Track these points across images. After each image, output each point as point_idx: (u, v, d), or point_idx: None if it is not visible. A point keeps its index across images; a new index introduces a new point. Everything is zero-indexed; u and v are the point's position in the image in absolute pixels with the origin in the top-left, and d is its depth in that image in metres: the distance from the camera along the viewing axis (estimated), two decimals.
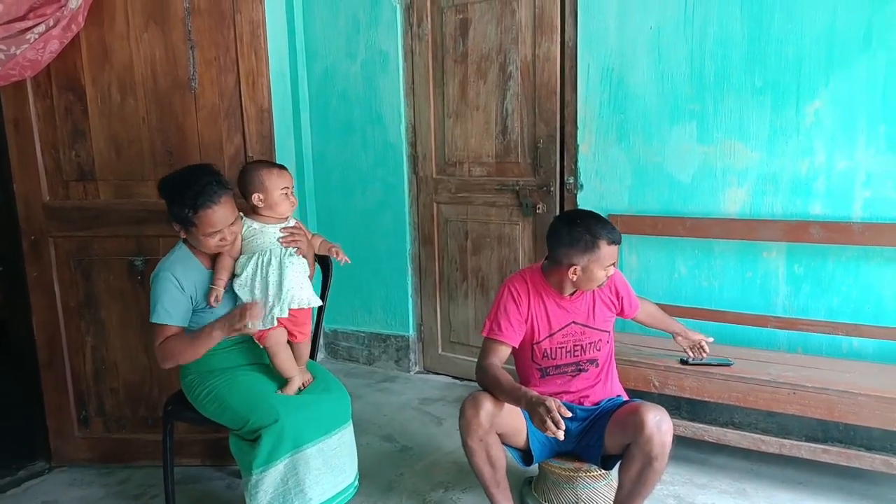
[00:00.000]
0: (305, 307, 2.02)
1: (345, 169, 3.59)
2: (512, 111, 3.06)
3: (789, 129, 2.45)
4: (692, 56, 2.58)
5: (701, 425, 2.40)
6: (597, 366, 2.05)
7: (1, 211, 2.57)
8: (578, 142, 2.87)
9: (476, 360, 1.99)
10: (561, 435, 1.59)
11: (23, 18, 2.06)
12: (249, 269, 1.97)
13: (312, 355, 2.32)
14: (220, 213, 1.89)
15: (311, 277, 2.10)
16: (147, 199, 2.35)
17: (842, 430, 2.38)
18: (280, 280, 1.96)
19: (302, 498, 1.86)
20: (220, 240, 1.93)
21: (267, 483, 1.84)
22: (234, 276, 1.99)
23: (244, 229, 1.99)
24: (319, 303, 2.07)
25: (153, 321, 1.94)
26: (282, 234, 2.02)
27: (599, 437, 1.93)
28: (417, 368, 3.60)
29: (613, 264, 1.94)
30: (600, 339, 2.04)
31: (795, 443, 2.24)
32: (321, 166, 3.67)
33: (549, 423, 1.59)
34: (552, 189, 2.99)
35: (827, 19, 2.34)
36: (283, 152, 3.42)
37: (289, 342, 2.06)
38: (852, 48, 2.31)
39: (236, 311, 1.89)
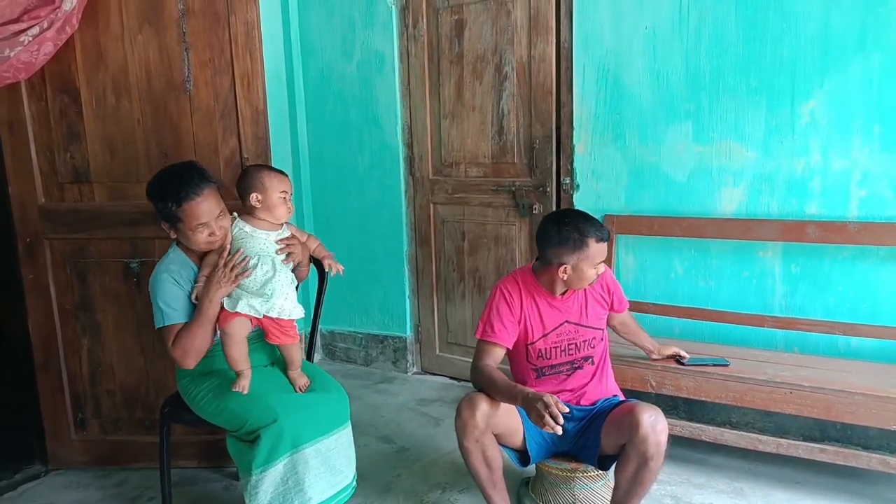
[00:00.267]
0: (286, 318, 2.00)
1: (341, 170, 3.59)
2: (508, 112, 3.06)
3: (785, 129, 2.45)
4: (687, 56, 2.58)
5: (698, 425, 2.40)
6: (592, 363, 2.05)
7: None
8: (574, 142, 2.87)
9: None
10: (559, 430, 1.59)
11: (17, 20, 2.06)
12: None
13: (309, 357, 2.32)
14: (204, 204, 1.90)
15: (305, 277, 2.09)
16: (142, 202, 2.29)
17: (839, 429, 2.39)
18: (265, 280, 1.95)
19: (302, 497, 1.86)
20: (209, 234, 1.92)
21: (267, 483, 1.83)
22: None
23: (235, 230, 1.98)
24: (302, 315, 2.04)
25: (160, 326, 1.92)
26: (277, 246, 2.00)
27: (596, 438, 1.93)
28: (415, 369, 3.60)
29: (603, 262, 1.94)
30: (594, 337, 2.04)
31: (793, 442, 2.24)
32: (317, 167, 3.67)
33: (548, 418, 1.59)
34: (548, 189, 2.99)
35: (821, 20, 2.34)
36: (280, 153, 3.41)
37: (279, 346, 2.05)
38: (847, 48, 2.32)
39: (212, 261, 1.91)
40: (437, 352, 3.51)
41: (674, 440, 2.32)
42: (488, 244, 3.23)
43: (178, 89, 2.32)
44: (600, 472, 2.03)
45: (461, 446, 1.88)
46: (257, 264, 1.95)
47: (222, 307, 1.94)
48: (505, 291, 2.00)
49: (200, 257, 1.99)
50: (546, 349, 2.01)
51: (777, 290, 2.54)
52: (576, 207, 2.89)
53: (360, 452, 2.18)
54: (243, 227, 1.98)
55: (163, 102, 2.33)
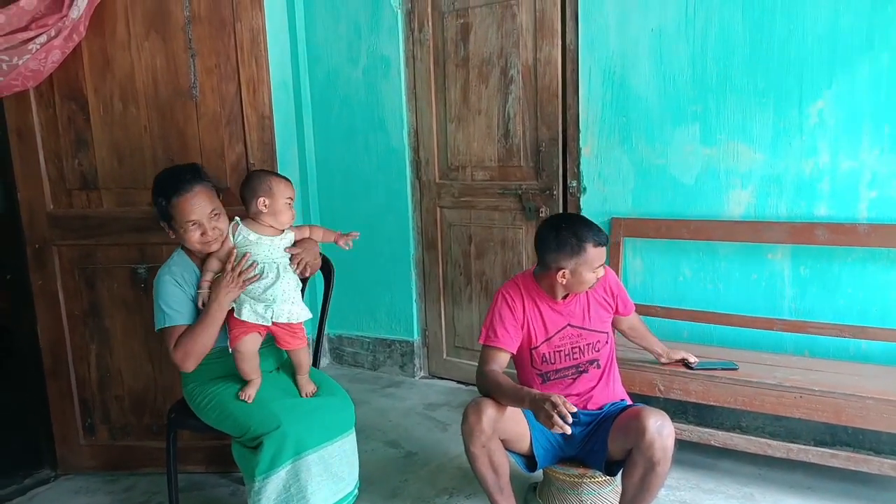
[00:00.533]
0: (296, 322, 2.01)
1: (348, 174, 3.59)
2: (514, 115, 3.05)
3: (793, 130, 2.43)
4: (694, 58, 2.56)
5: (707, 430, 2.38)
6: (598, 367, 2.04)
7: (5, 220, 2.58)
8: (581, 145, 2.86)
9: None
10: (568, 430, 1.58)
11: (25, 29, 2.08)
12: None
13: (315, 363, 2.32)
14: (195, 200, 1.91)
15: (316, 270, 2.12)
16: (149, 208, 2.34)
17: (850, 433, 2.36)
18: (268, 286, 1.95)
19: None
20: (202, 234, 1.93)
21: (270, 490, 1.83)
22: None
23: (238, 238, 1.98)
24: (309, 316, 2.05)
25: (160, 327, 1.93)
26: (282, 252, 2.02)
27: (603, 443, 1.92)
28: (422, 373, 3.59)
29: (602, 266, 1.94)
30: (598, 341, 2.03)
31: (803, 447, 2.21)
32: (324, 171, 3.68)
33: (556, 418, 1.58)
34: (555, 192, 2.98)
35: (829, 20, 2.32)
36: (286, 158, 3.43)
37: (287, 351, 2.07)
38: (855, 48, 2.30)
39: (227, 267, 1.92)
40: (445, 356, 3.50)
41: (682, 445, 2.31)
42: (495, 248, 3.22)
43: (184, 96, 2.33)
44: (608, 477, 2.01)
45: (468, 451, 1.87)
46: (263, 270, 1.96)
47: (231, 313, 1.94)
48: (507, 296, 1.99)
49: (204, 261, 1.99)
50: (549, 353, 2.00)
51: (786, 292, 2.52)
52: (583, 210, 2.88)
53: (367, 457, 2.18)
54: (248, 236, 1.99)
55: (169, 109, 2.35)
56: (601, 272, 1.94)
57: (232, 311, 1.96)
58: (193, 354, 1.91)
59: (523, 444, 1.96)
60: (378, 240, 3.54)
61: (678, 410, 2.58)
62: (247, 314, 1.94)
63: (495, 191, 3.16)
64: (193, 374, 2.00)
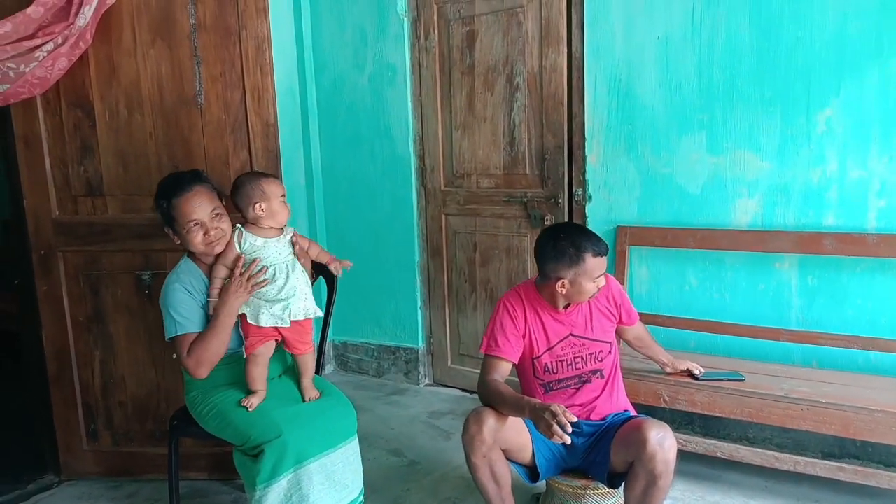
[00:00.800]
0: (311, 317, 2.04)
1: (353, 181, 3.59)
2: (519, 122, 3.04)
3: (800, 139, 2.41)
4: (700, 65, 2.55)
5: (712, 441, 2.35)
6: (601, 377, 2.02)
7: (12, 226, 2.60)
8: (586, 153, 2.85)
9: None
10: (568, 440, 1.56)
11: (32, 37, 2.09)
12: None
13: (318, 370, 2.31)
14: (195, 200, 1.93)
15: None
16: (154, 214, 2.35)
17: (859, 445, 2.33)
18: (281, 286, 1.97)
19: None
20: (205, 235, 1.94)
21: (271, 499, 1.82)
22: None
23: (245, 245, 1.98)
24: (321, 313, 2.08)
25: (171, 336, 1.93)
26: (290, 250, 2.04)
27: (605, 454, 1.90)
28: (427, 381, 3.58)
29: (603, 275, 1.92)
30: (601, 350, 2.01)
31: (810, 460, 2.18)
32: (330, 178, 3.68)
33: (556, 427, 1.56)
34: (560, 200, 2.97)
35: (837, 26, 2.30)
36: (293, 165, 3.45)
37: (294, 355, 2.07)
38: (863, 55, 2.27)
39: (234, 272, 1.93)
40: (450, 363, 3.49)
41: (688, 456, 2.29)
42: (500, 255, 3.21)
43: (189, 103, 2.34)
44: (611, 489, 1.99)
45: (469, 462, 1.86)
46: (275, 273, 1.97)
47: (244, 319, 1.95)
48: (508, 305, 1.98)
49: (211, 267, 2.00)
50: (552, 363, 1.98)
51: (793, 302, 2.49)
52: (588, 218, 2.87)
53: (369, 466, 2.17)
54: (254, 242, 1.99)
55: (174, 116, 2.36)
56: (602, 282, 1.92)
57: (245, 317, 1.97)
58: (206, 361, 1.91)
59: (525, 455, 1.95)
60: (383, 247, 3.54)
61: (684, 421, 2.55)
62: (265, 319, 1.96)
63: (500, 198, 3.15)
64: (198, 381, 2.00)
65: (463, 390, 3.42)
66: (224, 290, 1.93)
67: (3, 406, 3.34)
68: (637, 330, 2.19)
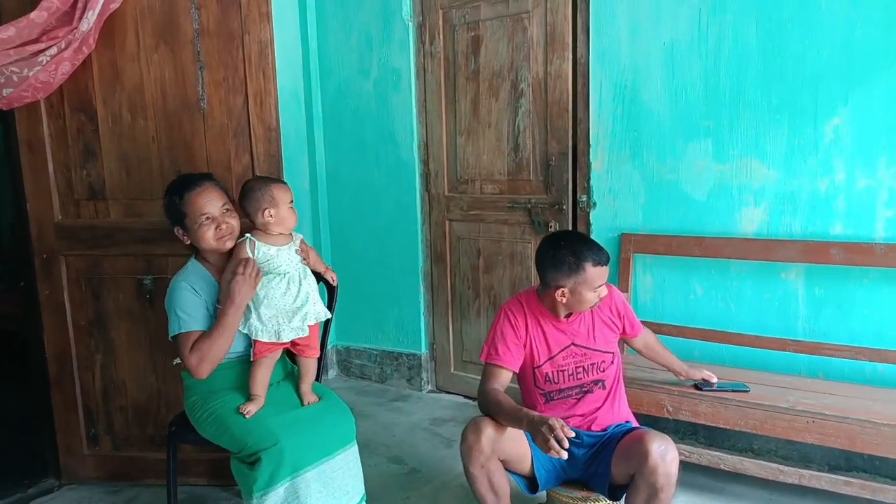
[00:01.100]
0: (322, 319, 2.07)
1: (357, 187, 3.58)
2: (524, 128, 3.03)
3: (808, 147, 2.38)
4: (706, 72, 2.52)
5: (716, 453, 2.31)
6: (603, 387, 2.00)
7: (15, 230, 2.60)
8: (591, 159, 2.83)
9: None
10: (565, 455, 1.54)
11: (35, 41, 2.10)
12: (271, 290, 1.98)
13: (319, 376, 2.30)
14: (206, 195, 1.96)
15: None
16: (156, 219, 2.35)
17: (866, 458, 2.27)
18: (297, 294, 2.00)
19: None
20: (217, 229, 1.95)
21: None
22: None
23: (258, 254, 1.97)
24: (329, 314, 2.12)
25: (175, 333, 1.92)
26: (299, 257, 2.06)
27: (606, 465, 1.87)
28: (430, 387, 3.56)
29: (604, 285, 1.90)
30: (603, 361, 1.99)
31: (815, 473, 2.14)
32: (334, 184, 3.68)
33: (553, 442, 1.54)
34: (564, 207, 2.95)
35: (845, 34, 2.27)
36: (297, 170, 3.44)
37: (298, 359, 2.08)
38: (872, 63, 2.24)
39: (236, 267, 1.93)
40: (452, 370, 3.47)
41: (692, 467, 2.26)
42: (504, 262, 3.19)
43: (192, 108, 2.34)
44: (612, 502, 1.96)
45: (467, 472, 1.84)
46: (289, 283, 1.99)
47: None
48: (509, 314, 1.96)
49: (219, 270, 1.99)
50: (553, 373, 1.96)
51: (800, 312, 2.45)
52: (592, 225, 2.85)
53: (369, 473, 2.15)
54: (267, 251, 1.99)
55: (177, 120, 2.35)
56: (603, 291, 1.90)
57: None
58: (209, 360, 1.90)
59: (524, 465, 1.92)
60: (387, 252, 3.52)
61: (688, 431, 2.52)
62: (287, 335, 1.98)
63: (504, 204, 3.14)
64: (197, 386, 2.00)
65: (466, 397, 3.40)
66: (230, 285, 1.91)
67: (3, 408, 3.35)
68: (645, 338, 2.17)
